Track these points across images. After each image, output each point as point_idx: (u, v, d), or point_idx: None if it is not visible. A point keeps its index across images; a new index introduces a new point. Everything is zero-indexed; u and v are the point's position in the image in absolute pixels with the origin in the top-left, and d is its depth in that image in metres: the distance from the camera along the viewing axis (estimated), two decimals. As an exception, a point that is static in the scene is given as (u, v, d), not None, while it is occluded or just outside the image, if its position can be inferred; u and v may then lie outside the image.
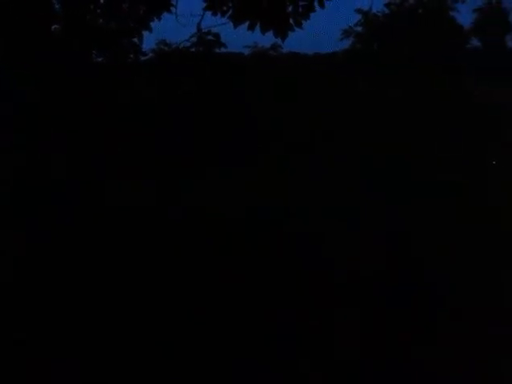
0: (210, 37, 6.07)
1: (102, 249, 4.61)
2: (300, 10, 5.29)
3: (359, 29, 29.86)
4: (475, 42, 33.49)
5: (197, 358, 3.07)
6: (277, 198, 6.07)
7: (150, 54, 13.21)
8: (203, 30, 6.51)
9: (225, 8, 5.95)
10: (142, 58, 7.65)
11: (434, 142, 9.19)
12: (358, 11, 30.27)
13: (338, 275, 4.02)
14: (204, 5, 6.23)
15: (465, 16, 53.39)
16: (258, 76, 14.80)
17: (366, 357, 3.01)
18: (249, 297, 3.75)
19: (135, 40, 6.58)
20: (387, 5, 29.74)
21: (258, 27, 5.59)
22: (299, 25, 5.36)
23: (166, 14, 6.49)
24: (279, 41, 5.65)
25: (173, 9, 6.33)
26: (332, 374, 2.91)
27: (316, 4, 5.22)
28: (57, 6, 6.60)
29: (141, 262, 4.37)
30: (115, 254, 4.49)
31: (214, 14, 6.12)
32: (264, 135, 9.56)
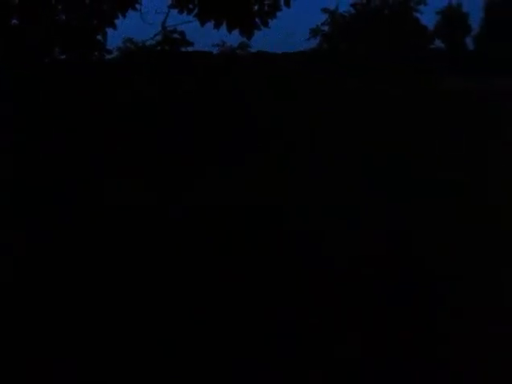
0: (175, 35, 5.99)
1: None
2: (266, 8, 5.29)
3: (326, 28, 30.21)
4: (438, 43, 34.34)
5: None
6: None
7: (116, 53, 13.01)
8: (168, 28, 6.41)
9: (191, 6, 5.90)
10: (107, 57, 7.49)
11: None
12: (325, 11, 30.65)
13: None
14: (169, 2, 6.17)
15: (429, 18, 54.63)
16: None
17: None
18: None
19: (99, 37, 6.45)
20: (353, 5, 30.21)
21: (224, 26, 5.58)
22: (265, 24, 5.36)
23: (131, 12, 6.39)
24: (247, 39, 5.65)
25: (138, 6, 6.23)
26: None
27: (282, 3, 5.23)
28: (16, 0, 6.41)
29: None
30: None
31: (180, 11, 6.06)
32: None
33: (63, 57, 6.78)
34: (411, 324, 3.34)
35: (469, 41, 34.70)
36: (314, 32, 30.42)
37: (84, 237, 4.84)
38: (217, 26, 5.32)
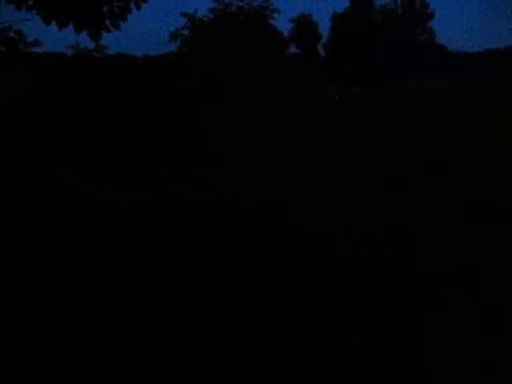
0: (10, 33, 5.33)
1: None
2: (116, 10, 4.99)
3: (185, 32, 30.16)
4: (293, 49, 36.33)
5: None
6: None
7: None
8: (2, 25, 5.72)
9: (31, 2, 5.36)
10: None
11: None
12: (184, 14, 30.58)
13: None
14: (2, -4, 5.54)
15: (283, 25, 57.67)
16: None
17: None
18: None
19: None
20: (211, 10, 30.58)
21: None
22: (116, 26, 5.05)
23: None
24: (104, 41, 5.30)
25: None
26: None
27: (132, 5, 4.98)
28: None
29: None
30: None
31: (18, 7, 5.48)
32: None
33: None
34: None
35: (320, 47, 37.40)
36: (174, 35, 30.20)
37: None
38: (61, 26, 4.88)
